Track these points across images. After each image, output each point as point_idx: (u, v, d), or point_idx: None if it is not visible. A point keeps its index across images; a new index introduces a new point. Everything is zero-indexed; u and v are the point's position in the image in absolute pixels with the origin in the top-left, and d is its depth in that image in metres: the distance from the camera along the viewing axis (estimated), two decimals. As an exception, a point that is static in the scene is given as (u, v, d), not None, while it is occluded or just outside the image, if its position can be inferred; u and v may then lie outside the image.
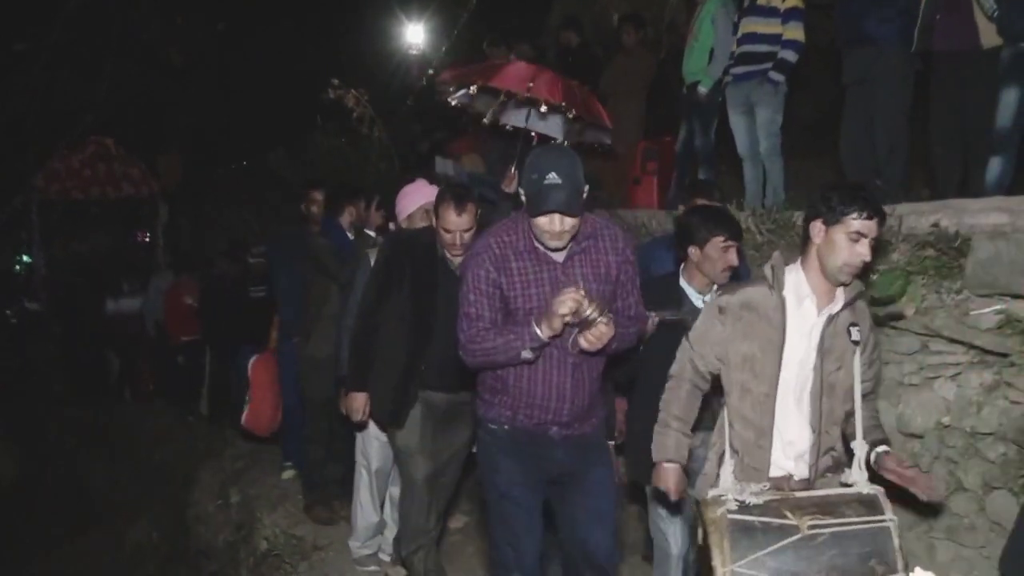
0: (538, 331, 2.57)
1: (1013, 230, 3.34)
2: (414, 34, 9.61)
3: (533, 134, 5.30)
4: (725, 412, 2.61)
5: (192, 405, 8.29)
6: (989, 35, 4.17)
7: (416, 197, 3.87)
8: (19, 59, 12.11)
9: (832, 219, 2.39)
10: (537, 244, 2.67)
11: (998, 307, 3.13)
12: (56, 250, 12.59)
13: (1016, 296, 3.14)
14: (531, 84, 4.84)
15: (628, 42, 6.84)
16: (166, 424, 8.59)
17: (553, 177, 2.48)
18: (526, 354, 2.61)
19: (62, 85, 12.08)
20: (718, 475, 2.58)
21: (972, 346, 3.19)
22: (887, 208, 3.82)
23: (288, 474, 5.65)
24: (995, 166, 4.13)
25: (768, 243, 4.18)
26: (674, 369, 2.70)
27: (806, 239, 2.49)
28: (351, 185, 5.63)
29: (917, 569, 1.93)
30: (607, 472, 2.94)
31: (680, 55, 6.16)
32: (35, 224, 11.96)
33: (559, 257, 2.68)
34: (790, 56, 5.16)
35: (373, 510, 4.15)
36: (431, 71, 9.12)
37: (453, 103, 5.46)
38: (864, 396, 2.52)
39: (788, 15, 5.14)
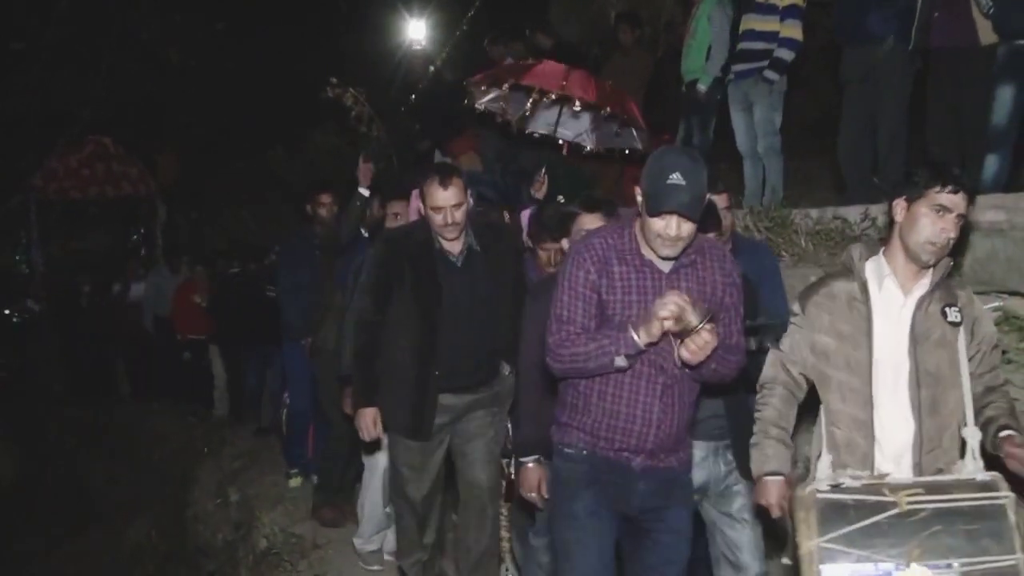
0: (635, 336, 2.34)
1: (1010, 227, 3.35)
2: (416, 30, 9.58)
3: (561, 141, 5.25)
4: (821, 413, 2.46)
5: (197, 405, 8.25)
6: (987, 33, 4.17)
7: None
8: (17, 58, 12.09)
9: (915, 193, 2.32)
10: (645, 250, 2.45)
11: (995, 304, 3.13)
12: (55, 249, 12.56)
13: (1013, 293, 3.14)
14: (564, 83, 4.74)
15: (625, 41, 6.84)
16: (165, 423, 8.60)
17: (677, 177, 2.29)
18: (619, 361, 2.38)
19: (60, 84, 12.06)
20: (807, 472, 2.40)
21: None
22: (884, 206, 3.85)
23: (295, 482, 5.56)
24: (991, 163, 4.13)
25: (765, 241, 4.19)
26: (764, 376, 2.56)
27: (890, 222, 2.43)
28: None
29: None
30: (687, 513, 2.66)
31: (678, 54, 6.17)
32: (33, 223, 11.95)
33: (665, 267, 2.45)
34: (785, 55, 5.16)
35: (382, 504, 4.07)
36: (432, 68, 9.10)
37: (482, 108, 5.39)
38: (990, 387, 2.39)
39: (786, 12, 5.14)
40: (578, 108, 4.86)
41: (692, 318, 2.25)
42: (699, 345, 2.28)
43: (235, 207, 10.74)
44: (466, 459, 3.40)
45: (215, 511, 6.22)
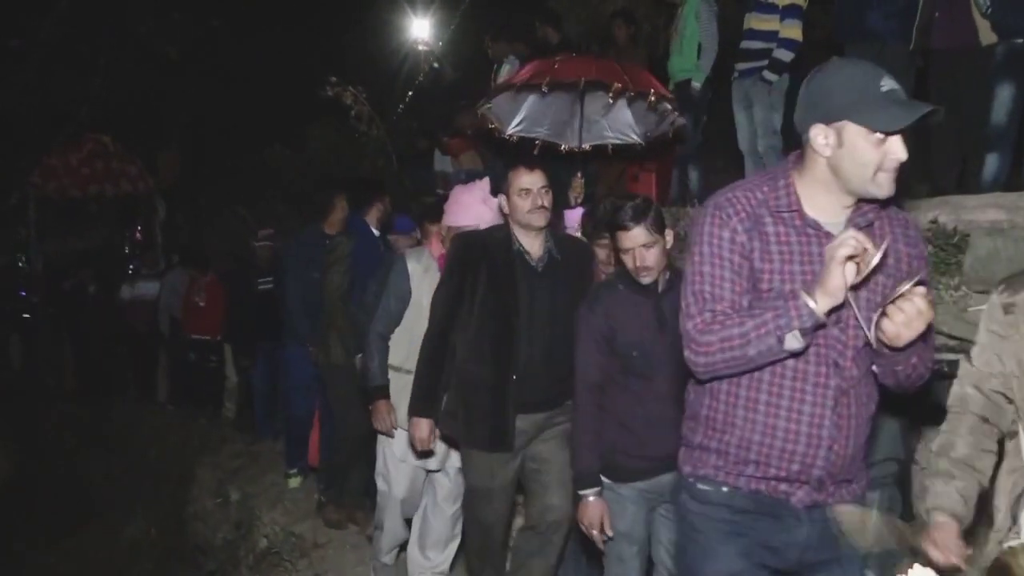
0: (810, 302, 1.72)
1: (1011, 226, 3.36)
2: (420, 29, 9.55)
3: (538, 142, 5.19)
4: (1021, 438, 2.01)
5: (207, 407, 8.06)
6: (987, 32, 4.18)
7: (472, 213, 3.43)
8: (15, 56, 12.07)
9: None
10: (809, 206, 1.84)
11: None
12: (53, 247, 12.54)
13: (1014, 292, 3.14)
14: (629, 78, 4.70)
15: (620, 38, 6.83)
16: (164, 421, 8.59)
17: (890, 83, 1.73)
18: (791, 341, 1.75)
19: (58, 81, 12.03)
20: (1013, 523, 1.94)
21: (971, 342, 3.20)
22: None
23: (294, 482, 5.54)
24: (991, 162, 4.15)
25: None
26: (951, 398, 2.11)
27: None
28: (376, 179, 5.53)
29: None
30: (860, 569, 2.00)
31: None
32: (32, 221, 11.93)
33: (835, 229, 1.82)
34: (784, 55, 5.15)
35: (401, 533, 3.85)
36: (435, 65, 9.10)
37: (481, 112, 5.37)
38: None
39: (786, 12, 5.13)
40: (611, 99, 4.73)
41: (877, 262, 1.67)
42: (911, 315, 1.69)
43: (234, 205, 10.69)
44: (540, 483, 3.16)
45: (215, 510, 6.22)
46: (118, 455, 8.93)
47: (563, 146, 5.36)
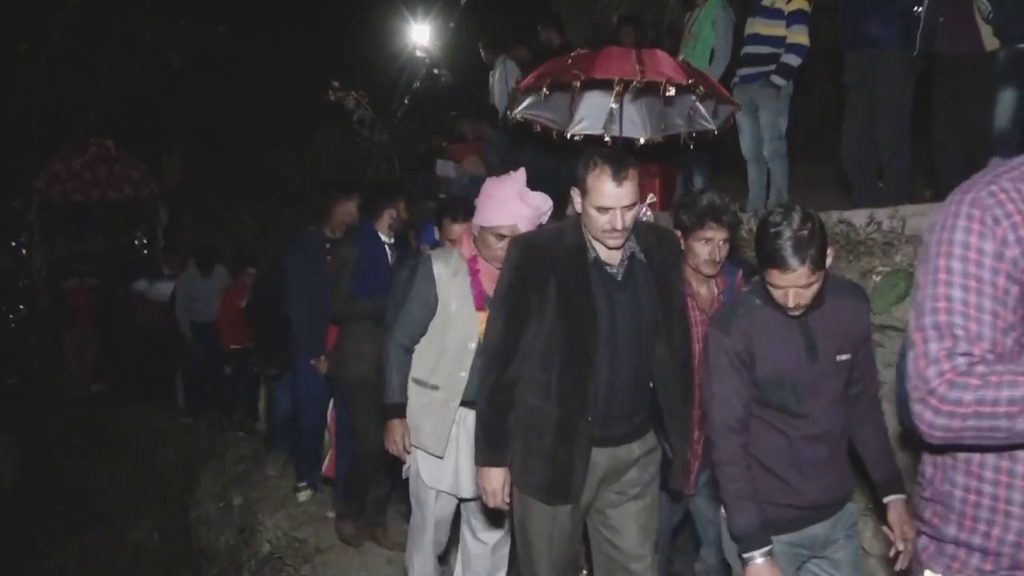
0: None
1: (1016, 232, 3.33)
2: (419, 34, 9.59)
3: (608, 139, 4.76)
4: None
5: (235, 418, 7.56)
6: (991, 38, 4.20)
7: (507, 211, 2.97)
8: (20, 60, 12.12)
9: None
10: None
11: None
12: (56, 252, 12.57)
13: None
14: (640, 67, 4.20)
15: (627, 43, 6.83)
16: (167, 425, 8.60)
17: None
18: None
19: (63, 86, 12.07)
20: None
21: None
22: (889, 210, 3.85)
23: (304, 495, 5.29)
24: (996, 168, 4.14)
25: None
26: None
27: None
28: (390, 184, 5.26)
29: (927, 572, 1.86)
30: None
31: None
32: (36, 226, 11.97)
33: None
34: (792, 60, 5.15)
35: (432, 569, 3.45)
36: (436, 71, 9.13)
37: (520, 117, 4.95)
38: None
39: (792, 18, 5.13)
40: (672, 93, 4.25)
41: None
42: None
43: (238, 209, 10.74)
44: (613, 530, 2.71)
45: (218, 514, 6.21)
46: (121, 459, 8.94)
47: (640, 140, 4.94)
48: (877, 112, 4.64)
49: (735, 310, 2.37)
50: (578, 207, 2.55)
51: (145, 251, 12.80)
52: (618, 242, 2.52)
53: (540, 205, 2.98)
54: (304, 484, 5.30)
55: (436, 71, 9.06)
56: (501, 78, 7.49)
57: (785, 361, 2.28)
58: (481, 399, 2.63)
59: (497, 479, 2.63)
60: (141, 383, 9.73)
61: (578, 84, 4.38)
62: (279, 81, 11.53)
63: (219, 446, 7.16)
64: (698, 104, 4.67)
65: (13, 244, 12.85)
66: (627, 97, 4.62)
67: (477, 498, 3.10)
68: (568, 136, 4.97)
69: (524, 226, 2.93)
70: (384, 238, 4.33)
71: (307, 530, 4.92)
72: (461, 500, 3.28)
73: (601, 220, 2.46)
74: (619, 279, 2.58)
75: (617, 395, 2.57)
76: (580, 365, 2.52)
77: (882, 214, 3.85)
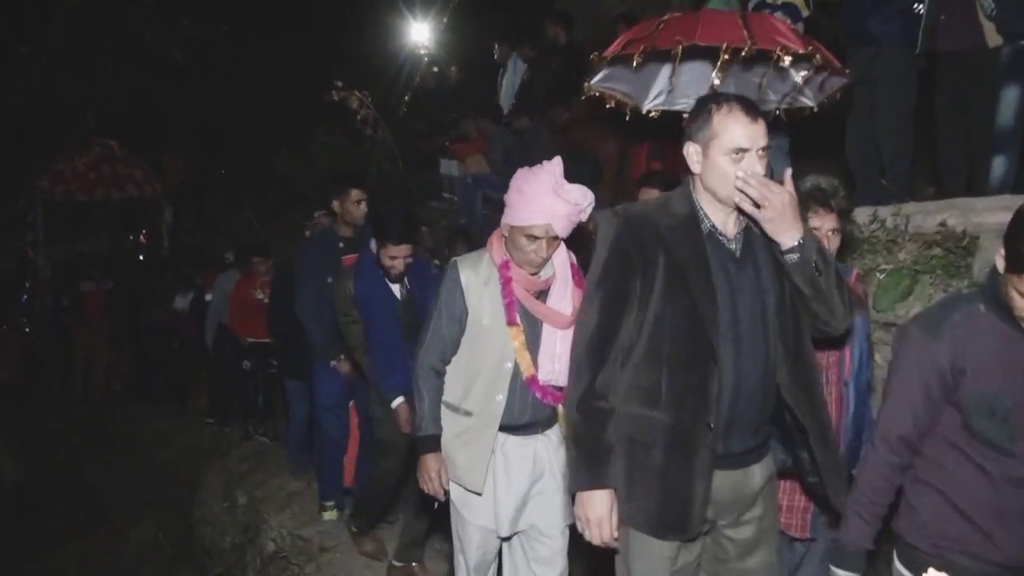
0: None
1: (1020, 229, 3.34)
2: (419, 33, 9.60)
3: (686, 115, 4.35)
4: None
5: (260, 422, 7.16)
6: (993, 35, 4.20)
7: (540, 208, 2.59)
8: (22, 60, 12.12)
9: None
10: None
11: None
12: (60, 252, 12.58)
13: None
14: (749, 32, 3.69)
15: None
16: (171, 424, 8.61)
17: None
18: None
19: (62, 85, 12.08)
20: None
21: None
22: (893, 208, 3.86)
23: (330, 515, 4.85)
24: (998, 165, 4.15)
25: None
26: None
27: None
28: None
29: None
30: None
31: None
32: (39, 226, 11.97)
33: None
34: None
35: None
36: (435, 68, 9.14)
37: (595, 92, 4.36)
38: None
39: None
40: (787, 63, 3.73)
41: None
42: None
43: (239, 208, 10.74)
44: (737, 570, 2.23)
45: (222, 513, 6.22)
46: (127, 459, 8.96)
47: (651, 112, 4.48)
48: (878, 110, 4.64)
49: (949, 313, 1.97)
50: (695, 166, 2.10)
51: (147, 252, 12.81)
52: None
53: (579, 200, 2.59)
54: (331, 504, 4.85)
55: (435, 69, 9.07)
56: (511, 75, 7.50)
57: (1003, 385, 1.88)
58: (573, 409, 2.14)
59: (603, 504, 2.11)
60: (166, 383, 9.63)
61: (679, 52, 3.78)
62: (280, 81, 11.54)
63: (223, 445, 7.17)
64: (814, 76, 4.06)
65: (17, 245, 12.82)
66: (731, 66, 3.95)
67: (515, 533, 2.83)
68: (644, 112, 4.43)
69: (560, 225, 2.60)
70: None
71: (312, 529, 4.93)
72: (502, 539, 2.87)
73: (734, 168, 2.01)
74: (737, 254, 2.12)
75: (743, 398, 2.09)
76: (699, 360, 2.05)
77: (885, 212, 3.86)
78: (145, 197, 12.20)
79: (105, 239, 13.11)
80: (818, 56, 3.79)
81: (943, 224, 3.56)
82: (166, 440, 8.38)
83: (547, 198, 2.57)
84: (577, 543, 2.41)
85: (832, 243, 2.54)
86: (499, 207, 3.39)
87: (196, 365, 8.77)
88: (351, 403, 4.69)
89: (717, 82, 3.84)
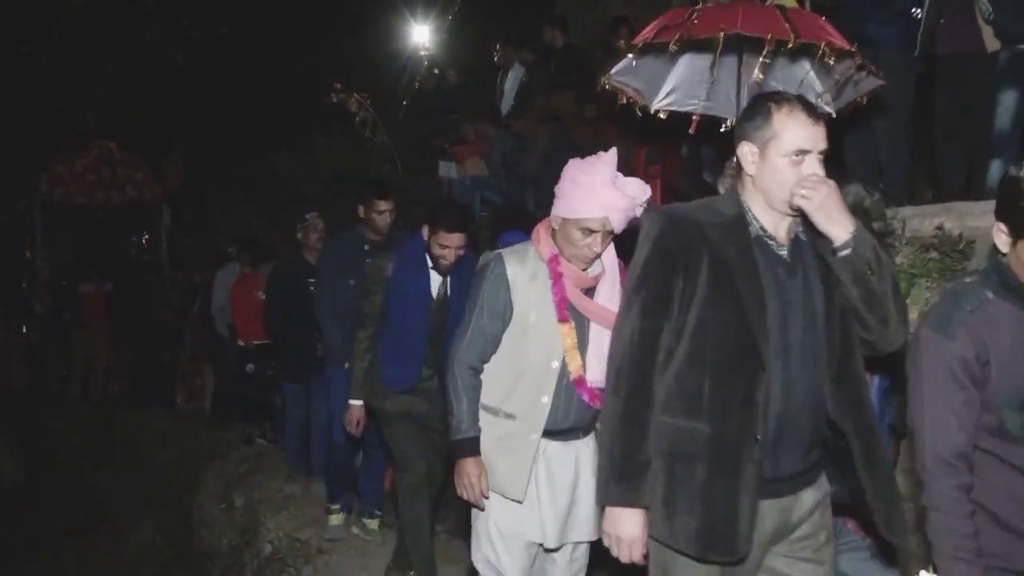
0: None
1: (1016, 233, 3.34)
2: (420, 34, 9.60)
3: (695, 117, 4.07)
4: None
5: (263, 427, 7.03)
6: (992, 38, 4.20)
7: (599, 201, 2.47)
8: (22, 61, 12.15)
9: None
10: None
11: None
12: (59, 254, 12.59)
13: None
14: (791, 25, 3.46)
15: (622, 45, 6.76)
16: (171, 425, 8.61)
17: None
18: None
19: (62, 85, 12.10)
20: None
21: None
22: (890, 211, 3.85)
23: (336, 519, 4.71)
24: (996, 169, 4.15)
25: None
26: None
27: None
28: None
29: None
30: None
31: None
32: (39, 228, 11.98)
33: None
34: None
35: None
36: (436, 71, 9.15)
37: (608, 85, 4.10)
38: None
39: None
40: (833, 61, 3.52)
41: None
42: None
43: (239, 210, 10.75)
44: None
45: (220, 515, 6.23)
46: (124, 460, 8.96)
47: (728, 121, 4.12)
48: (876, 113, 4.64)
49: (958, 304, 1.85)
50: (750, 166, 1.98)
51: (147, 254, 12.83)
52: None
53: (636, 194, 2.48)
54: (337, 507, 4.72)
55: (436, 71, 9.08)
56: (512, 78, 7.50)
57: None
58: (610, 417, 2.02)
59: (635, 524, 1.99)
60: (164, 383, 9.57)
61: (720, 41, 3.52)
62: (280, 82, 11.55)
63: (221, 447, 7.17)
64: (853, 72, 3.78)
65: (16, 246, 12.85)
66: (756, 64, 3.68)
67: (560, 547, 2.66)
68: (652, 112, 4.15)
69: (617, 219, 2.47)
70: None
71: (309, 531, 4.93)
72: (548, 550, 2.70)
73: (795, 171, 1.90)
74: (787, 260, 2.00)
75: (792, 412, 1.95)
76: (745, 368, 1.92)
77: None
78: (145, 199, 12.21)
79: (104, 241, 13.13)
80: (859, 56, 3.64)
81: (940, 228, 3.55)
82: (166, 441, 8.39)
83: (605, 190, 2.45)
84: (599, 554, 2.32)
85: None
86: (497, 209, 3.27)
87: (196, 367, 8.75)
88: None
89: (760, 76, 3.62)
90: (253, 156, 10.69)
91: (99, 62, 12.14)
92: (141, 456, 8.66)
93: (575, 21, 7.91)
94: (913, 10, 4.35)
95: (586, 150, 2.60)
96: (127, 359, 10.54)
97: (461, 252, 3.51)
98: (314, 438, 5.46)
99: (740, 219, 1.99)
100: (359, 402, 3.79)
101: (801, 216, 1.94)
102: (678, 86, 4.17)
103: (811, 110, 1.93)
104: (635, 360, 1.98)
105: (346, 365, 4.19)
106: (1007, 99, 4.14)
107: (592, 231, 2.48)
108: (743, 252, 1.95)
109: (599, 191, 2.45)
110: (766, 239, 1.99)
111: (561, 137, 6.41)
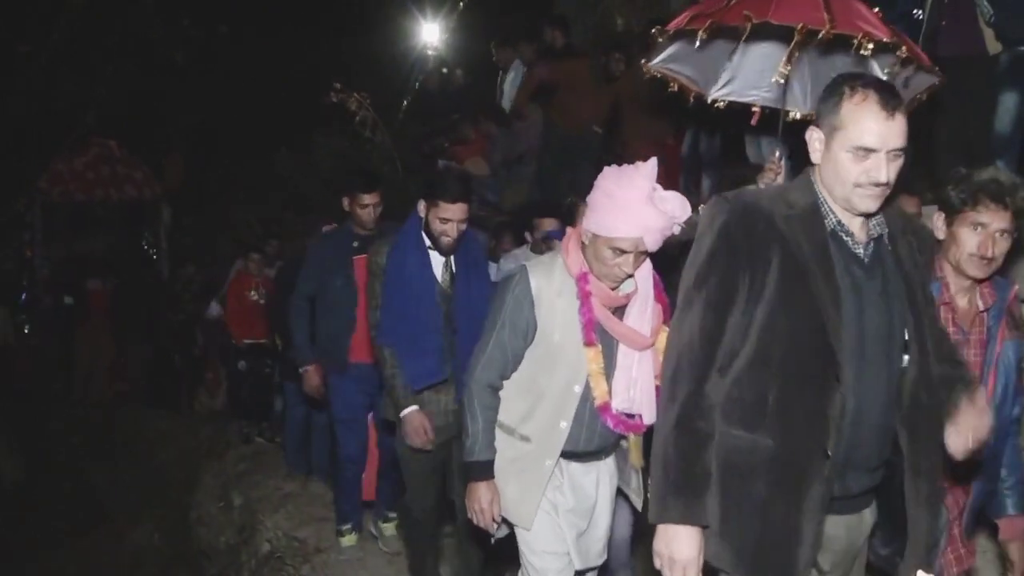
0: None
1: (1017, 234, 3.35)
2: (430, 32, 9.58)
3: (755, 109, 3.87)
4: None
5: (261, 426, 6.99)
6: (993, 41, 4.20)
7: (634, 219, 2.27)
8: (22, 60, 12.15)
9: None
10: None
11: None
12: (59, 252, 12.59)
13: (1022, 300, 3.14)
14: (829, 15, 3.25)
15: (616, 71, 6.75)
16: (170, 425, 8.61)
17: None
18: None
19: (62, 85, 12.11)
20: None
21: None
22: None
23: (349, 539, 4.42)
24: (996, 170, 4.14)
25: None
26: None
27: None
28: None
29: (920, 572, 1.86)
30: None
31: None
32: (38, 226, 11.99)
33: None
34: None
35: None
36: (444, 70, 9.15)
37: (656, 72, 3.86)
38: None
39: None
40: (868, 52, 3.28)
41: None
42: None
43: (239, 209, 10.76)
44: None
45: (218, 514, 6.22)
46: (123, 459, 8.96)
47: (794, 112, 3.85)
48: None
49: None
50: (815, 154, 1.83)
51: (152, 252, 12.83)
52: (876, 203, 1.77)
53: (675, 212, 2.29)
54: (348, 527, 4.43)
55: (444, 71, 9.08)
56: (514, 79, 7.50)
57: None
58: (665, 425, 1.81)
59: (692, 544, 1.77)
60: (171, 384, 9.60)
61: (747, 29, 3.33)
62: (280, 82, 11.56)
63: (220, 446, 7.17)
64: (898, 69, 3.53)
65: (15, 244, 12.85)
66: (804, 54, 3.55)
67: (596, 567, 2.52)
68: (709, 101, 3.94)
69: (651, 239, 2.28)
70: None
71: (307, 530, 4.92)
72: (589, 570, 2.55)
73: (857, 168, 1.73)
74: (865, 261, 1.82)
75: (864, 427, 1.77)
76: (817, 375, 1.74)
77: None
78: (144, 198, 12.22)
79: (104, 239, 13.13)
80: (903, 48, 3.36)
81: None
82: (165, 441, 8.39)
83: (641, 208, 2.25)
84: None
85: (1000, 246, 2.21)
86: (495, 210, 3.18)
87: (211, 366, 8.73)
88: (369, 416, 4.25)
89: (784, 70, 3.46)
90: (253, 156, 10.70)
91: (99, 62, 12.14)
92: (141, 456, 8.65)
93: (576, 21, 7.92)
94: (914, 12, 4.35)
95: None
96: (128, 359, 10.54)
97: (463, 227, 3.19)
98: (315, 438, 5.50)
99: (815, 210, 1.80)
100: (414, 407, 3.21)
101: (875, 214, 1.81)
102: (732, 75, 3.93)
103: (888, 102, 1.72)
104: (695, 362, 1.79)
105: (301, 369, 4.23)
106: (1007, 101, 4.13)
107: (624, 251, 2.29)
108: (818, 248, 1.76)
109: (634, 209, 2.25)
110: (842, 234, 1.81)
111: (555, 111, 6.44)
